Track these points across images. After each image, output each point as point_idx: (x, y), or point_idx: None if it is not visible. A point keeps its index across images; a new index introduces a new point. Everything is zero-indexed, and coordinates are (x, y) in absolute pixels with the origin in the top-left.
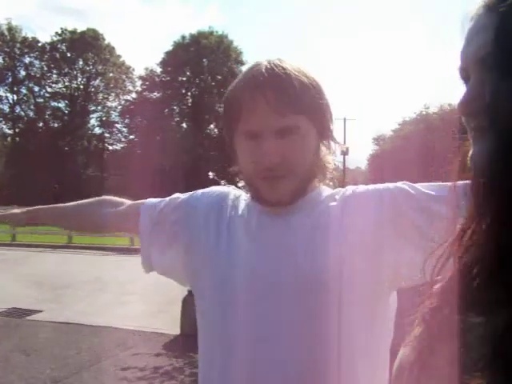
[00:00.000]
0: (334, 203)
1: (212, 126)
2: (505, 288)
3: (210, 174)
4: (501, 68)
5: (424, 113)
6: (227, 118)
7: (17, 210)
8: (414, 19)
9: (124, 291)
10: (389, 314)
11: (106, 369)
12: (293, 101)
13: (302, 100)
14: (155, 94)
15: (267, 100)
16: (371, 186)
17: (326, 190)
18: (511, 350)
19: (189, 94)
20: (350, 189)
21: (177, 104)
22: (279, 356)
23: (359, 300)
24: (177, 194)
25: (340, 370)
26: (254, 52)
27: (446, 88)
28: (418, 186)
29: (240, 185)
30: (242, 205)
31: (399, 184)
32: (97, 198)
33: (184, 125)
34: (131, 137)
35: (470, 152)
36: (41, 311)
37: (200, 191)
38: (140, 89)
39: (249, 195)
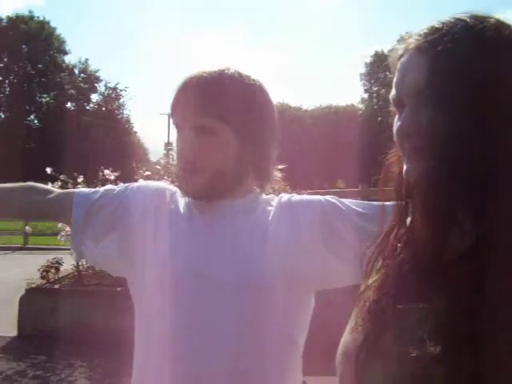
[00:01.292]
0: (271, 208)
1: (32, 116)
2: (436, 279)
3: (48, 169)
4: (433, 100)
5: None
6: (172, 113)
7: None
8: (234, 20)
9: None
10: (308, 311)
11: None
12: (211, 105)
13: (222, 107)
14: None
15: (187, 98)
16: (305, 197)
17: (261, 195)
18: (449, 326)
19: (7, 81)
20: (285, 196)
21: None
22: (214, 349)
23: (288, 299)
24: (111, 186)
25: (266, 357)
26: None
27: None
28: (346, 201)
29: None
30: (179, 201)
31: (328, 197)
32: (22, 184)
33: (1, 114)
34: None
35: (405, 168)
36: None
37: (135, 185)
38: None
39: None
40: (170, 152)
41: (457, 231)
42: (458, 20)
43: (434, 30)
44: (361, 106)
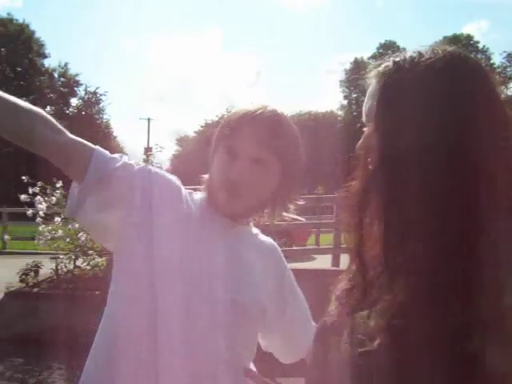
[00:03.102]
0: (268, 247)
1: None
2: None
3: (24, 177)
4: (380, 125)
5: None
6: (221, 134)
7: None
8: (210, 23)
9: None
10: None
11: None
12: (274, 141)
13: (281, 144)
14: None
15: (255, 131)
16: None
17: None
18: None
19: None
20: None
21: None
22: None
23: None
24: (132, 161)
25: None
26: (58, 45)
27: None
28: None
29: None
30: (194, 202)
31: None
32: (32, 107)
33: None
34: None
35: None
36: None
37: (154, 169)
38: None
39: (204, 199)
40: (150, 157)
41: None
42: (413, 53)
43: (393, 62)
44: (340, 112)
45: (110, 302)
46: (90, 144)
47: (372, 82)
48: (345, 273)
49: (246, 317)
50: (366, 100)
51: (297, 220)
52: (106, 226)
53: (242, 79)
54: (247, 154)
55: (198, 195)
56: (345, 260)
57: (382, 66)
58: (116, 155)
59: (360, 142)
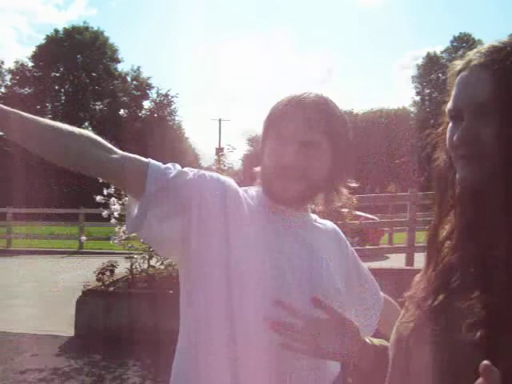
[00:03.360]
0: (328, 228)
1: (87, 123)
2: (480, 279)
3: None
4: (498, 113)
5: None
6: (269, 122)
7: None
8: (281, 22)
9: (8, 294)
10: None
11: (4, 373)
12: (322, 122)
13: (330, 125)
14: (26, 90)
15: (303, 115)
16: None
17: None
18: (491, 317)
19: (62, 90)
20: (336, 227)
21: (50, 100)
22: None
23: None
24: (186, 168)
25: None
26: (130, 50)
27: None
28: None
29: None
30: (251, 200)
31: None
32: (81, 130)
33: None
34: (0, 133)
35: (458, 176)
36: None
37: (209, 173)
38: (10, 83)
39: (260, 192)
40: (222, 157)
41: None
42: None
43: (497, 49)
44: (412, 109)
45: (187, 312)
46: (142, 158)
47: (466, 70)
48: (421, 274)
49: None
50: (458, 90)
51: (370, 219)
52: (171, 236)
53: (313, 77)
54: (296, 137)
55: (254, 191)
56: (419, 259)
57: (478, 52)
58: (169, 165)
59: (458, 133)
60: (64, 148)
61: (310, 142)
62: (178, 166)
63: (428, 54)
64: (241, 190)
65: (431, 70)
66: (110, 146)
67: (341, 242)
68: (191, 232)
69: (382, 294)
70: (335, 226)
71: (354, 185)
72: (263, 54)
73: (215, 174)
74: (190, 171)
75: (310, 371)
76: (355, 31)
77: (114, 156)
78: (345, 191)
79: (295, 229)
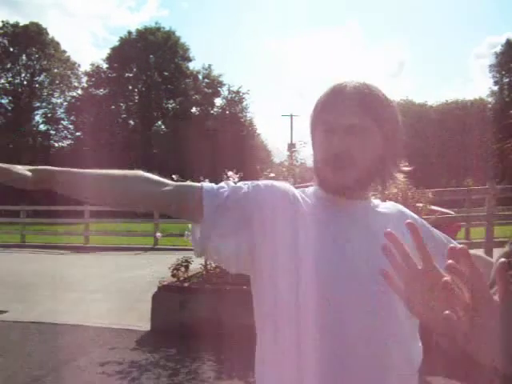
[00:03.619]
0: (392, 210)
1: (160, 122)
2: None
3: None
4: None
5: None
6: (314, 115)
7: (20, 167)
8: (349, 16)
9: (88, 289)
10: None
11: (84, 365)
12: (366, 105)
13: (374, 107)
14: (101, 91)
15: (344, 100)
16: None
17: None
18: None
19: (136, 90)
20: (401, 206)
21: (123, 101)
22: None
23: None
24: (239, 183)
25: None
26: (201, 49)
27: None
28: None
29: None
30: (308, 200)
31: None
32: (134, 172)
33: (131, 121)
34: (77, 134)
35: None
36: (6, 311)
37: (262, 183)
38: (86, 85)
39: (317, 188)
40: (294, 153)
41: None
42: None
43: None
44: (490, 99)
45: (256, 311)
46: (194, 183)
47: None
48: None
49: None
50: None
51: (446, 213)
52: (237, 252)
53: (383, 71)
54: (341, 124)
55: (311, 189)
56: (497, 254)
57: None
58: (222, 183)
59: None
60: (121, 195)
61: (354, 127)
62: (231, 183)
63: (508, 41)
64: (297, 192)
65: (511, 58)
66: (161, 179)
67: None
68: (256, 243)
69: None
70: (399, 207)
71: (406, 169)
72: (332, 49)
73: (269, 182)
74: (244, 185)
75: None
76: (427, 22)
77: (168, 188)
78: (400, 176)
79: (357, 217)
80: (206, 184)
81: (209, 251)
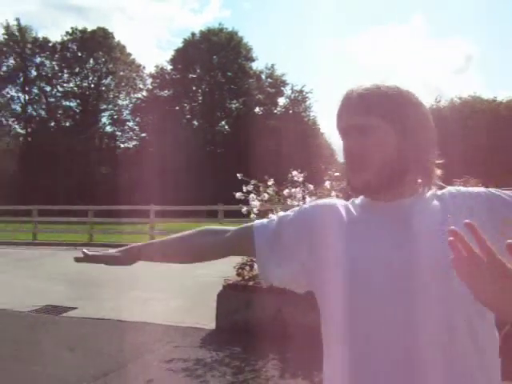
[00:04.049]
0: (440, 204)
1: (223, 122)
2: None
3: (238, 175)
4: None
5: (434, 106)
6: (336, 121)
7: (112, 251)
8: (414, 13)
9: (153, 288)
10: None
11: (150, 362)
12: (371, 105)
13: (381, 106)
14: (166, 92)
15: (350, 103)
16: (471, 189)
17: (425, 193)
18: None
19: (199, 91)
20: (452, 189)
21: (187, 101)
22: (422, 342)
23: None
24: (284, 213)
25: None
26: (264, 48)
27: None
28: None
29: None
30: (353, 209)
31: (493, 190)
32: (198, 229)
33: (195, 122)
34: (143, 135)
35: None
36: (75, 308)
37: (306, 206)
38: (151, 87)
39: (363, 199)
40: None
41: None
42: None
43: None
44: None
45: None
46: (247, 224)
47: None
48: None
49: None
50: None
51: None
52: (294, 277)
53: (448, 66)
54: (350, 126)
55: (359, 199)
56: None
57: None
58: (272, 216)
59: None
60: (194, 253)
61: (362, 126)
62: (281, 213)
63: None
64: (343, 204)
65: None
66: (222, 228)
67: (461, 207)
68: (304, 263)
69: None
70: (453, 193)
71: (439, 161)
72: (395, 45)
73: (314, 202)
74: (291, 212)
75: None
76: (496, 12)
77: (228, 235)
78: (438, 171)
79: (400, 218)
80: (257, 222)
81: (271, 280)
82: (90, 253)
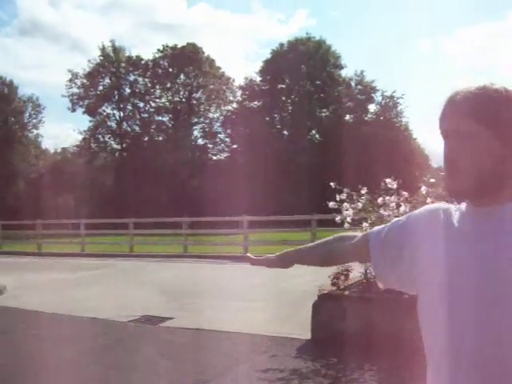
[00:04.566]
0: None
1: (314, 131)
2: None
3: (332, 184)
4: None
5: None
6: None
7: (271, 256)
8: (507, 9)
9: (248, 298)
10: None
11: (247, 371)
12: (474, 110)
13: (484, 111)
14: (255, 103)
15: (453, 106)
16: None
17: None
18: None
19: (289, 101)
20: None
21: (277, 112)
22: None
23: None
24: (396, 219)
25: None
26: (352, 55)
27: None
28: None
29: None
30: (455, 214)
31: None
32: (332, 236)
33: (285, 132)
34: (234, 146)
35: None
36: (172, 318)
37: (415, 212)
38: (240, 99)
39: (466, 205)
40: None
41: None
42: None
43: None
44: None
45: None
46: (368, 230)
47: None
48: None
49: None
50: None
51: None
52: (401, 282)
53: None
54: (451, 129)
55: (452, 207)
56: None
57: None
58: (389, 224)
59: None
60: (329, 257)
61: (462, 131)
62: (395, 220)
63: None
64: (447, 210)
65: None
66: (352, 234)
67: None
68: (407, 270)
69: None
70: None
71: None
72: (491, 45)
73: (421, 209)
74: (402, 218)
75: None
76: None
77: (355, 241)
78: None
79: (499, 224)
80: (374, 228)
81: (385, 284)
82: (253, 257)
